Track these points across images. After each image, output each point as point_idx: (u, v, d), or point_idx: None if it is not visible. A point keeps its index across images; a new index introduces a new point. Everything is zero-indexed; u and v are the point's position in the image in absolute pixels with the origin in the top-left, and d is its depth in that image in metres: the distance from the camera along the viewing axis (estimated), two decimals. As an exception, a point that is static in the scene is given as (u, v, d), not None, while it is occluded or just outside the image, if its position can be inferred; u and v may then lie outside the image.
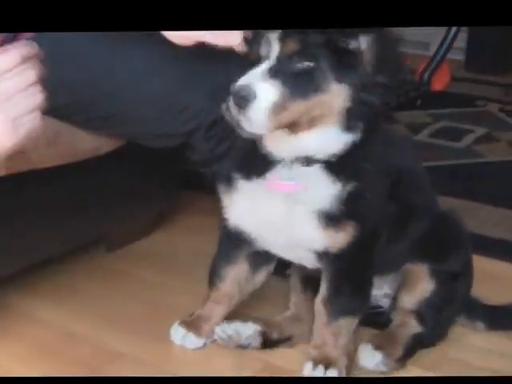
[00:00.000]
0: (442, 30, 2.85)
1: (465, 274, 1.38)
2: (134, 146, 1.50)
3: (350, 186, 1.16)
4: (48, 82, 1.35)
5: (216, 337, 1.34)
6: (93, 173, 1.54)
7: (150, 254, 1.71)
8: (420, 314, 1.33)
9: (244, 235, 1.27)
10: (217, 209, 1.78)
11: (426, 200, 1.35)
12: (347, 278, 1.24)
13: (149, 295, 1.53)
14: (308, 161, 1.15)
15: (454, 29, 2.79)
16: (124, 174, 1.63)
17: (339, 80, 1.08)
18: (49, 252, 1.55)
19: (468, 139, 2.45)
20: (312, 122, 1.10)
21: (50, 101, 1.37)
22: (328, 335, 1.25)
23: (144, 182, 1.69)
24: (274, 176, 1.17)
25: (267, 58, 1.09)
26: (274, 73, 1.06)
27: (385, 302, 1.39)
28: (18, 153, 1.32)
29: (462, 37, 3.04)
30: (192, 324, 1.36)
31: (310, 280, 1.38)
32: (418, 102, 2.73)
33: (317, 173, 1.16)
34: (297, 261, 1.32)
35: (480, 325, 1.42)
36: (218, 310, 1.35)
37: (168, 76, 1.34)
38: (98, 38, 1.37)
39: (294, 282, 1.42)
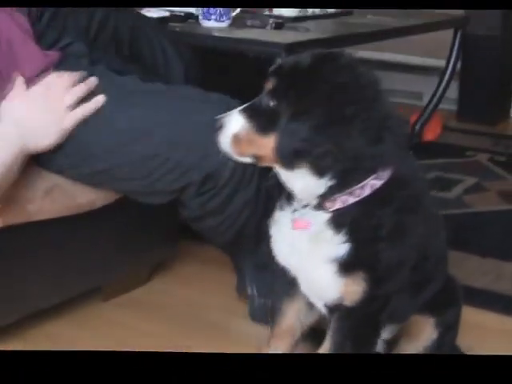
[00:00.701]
0: (435, 80, 2.93)
1: (455, 325, 1.42)
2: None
3: (354, 240, 1.19)
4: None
5: None
6: (90, 223, 1.57)
7: (147, 304, 1.74)
8: None
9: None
10: (214, 259, 1.83)
11: (445, 270, 1.40)
12: (351, 338, 1.25)
13: (144, 345, 1.54)
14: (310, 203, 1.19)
15: (446, 79, 2.86)
16: (122, 224, 1.67)
17: (292, 124, 1.12)
18: (46, 301, 1.58)
19: (458, 189, 2.49)
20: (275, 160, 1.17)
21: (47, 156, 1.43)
22: None
23: (142, 232, 1.72)
24: (297, 212, 1.23)
25: None
26: (249, 108, 1.20)
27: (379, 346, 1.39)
28: (14, 204, 1.39)
29: (453, 87, 3.12)
30: None
31: (309, 333, 1.40)
32: (411, 153, 2.79)
33: (326, 221, 1.20)
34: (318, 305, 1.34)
35: None
36: (282, 345, 1.36)
37: (157, 136, 1.38)
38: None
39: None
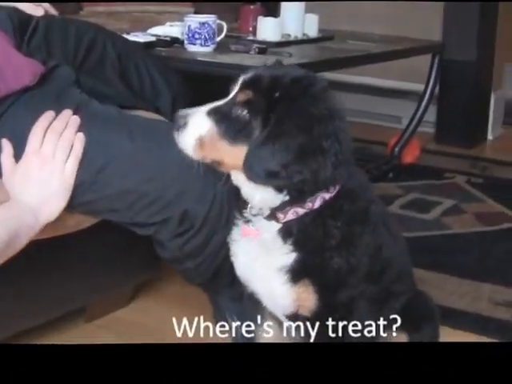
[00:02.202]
0: (414, 104, 2.99)
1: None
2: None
3: (301, 249, 1.23)
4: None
5: None
6: (74, 243, 1.57)
7: (130, 324, 1.75)
8: None
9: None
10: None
11: (408, 285, 1.42)
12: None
13: None
14: (262, 212, 1.23)
15: (424, 103, 2.93)
16: (106, 244, 1.68)
17: (269, 145, 1.14)
18: (27, 322, 1.59)
19: (437, 211, 2.54)
20: (236, 167, 1.19)
21: None
22: None
23: (125, 253, 1.73)
24: (247, 221, 1.27)
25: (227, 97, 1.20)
26: (216, 111, 1.18)
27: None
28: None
29: (431, 111, 3.19)
30: None
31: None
32: (390, 174, 2.85)
33: (276, 231, 1.24)
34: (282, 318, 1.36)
35: None
36: None
37: (134, 172, 1.39)
38: None
39: None
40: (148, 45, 2.03)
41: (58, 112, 1.40)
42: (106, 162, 1.38)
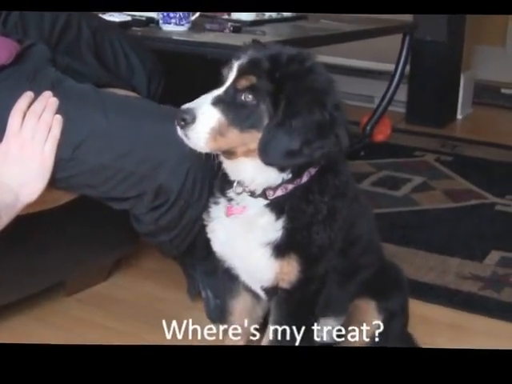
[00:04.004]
0: (386, 83, 3.04)
1: (400, 315, 1.49)
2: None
3: (291, 224, 1.26)
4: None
5: None
6: (53, 218, 1.59)
7: (108, 299, 1.77)
8: None
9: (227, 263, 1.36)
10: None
11: (376, 257, 1.47)
12: (290, 324, 1.30)
13: (104, 340, 1.55)
14: (251, 191, 1.25)
15: (395, 82, 2.97)
16: (85, 219, 1.70)
17: (285, 126, 1.16)
18: (8, 297, 1.61)
19: (406, 188, 2.59)
20: (248, 154, 1.20)
21: None
22: None
23: (104, 228, 1.75)
24: (229, 199, 1.29)
25: (224, 83, 1.20)
26: (220, 101, 1.18)
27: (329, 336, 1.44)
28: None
29: (402, 91, 3.24)
30: None
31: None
32: (362, 153, 2.90)
33: (263, 207, 1.26)
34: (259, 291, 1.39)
35: None
36: (238, 343, 1.39)
37: (109, 147, 1.41)
38: None
39: None
40: (123, 24, 2.04)
41: (34, 90, 1.41)
42: (82, 139, 1.40)
